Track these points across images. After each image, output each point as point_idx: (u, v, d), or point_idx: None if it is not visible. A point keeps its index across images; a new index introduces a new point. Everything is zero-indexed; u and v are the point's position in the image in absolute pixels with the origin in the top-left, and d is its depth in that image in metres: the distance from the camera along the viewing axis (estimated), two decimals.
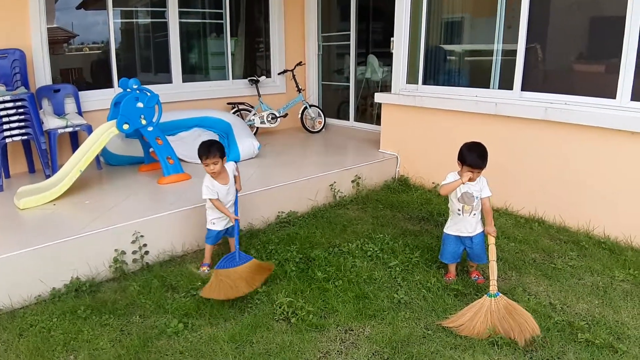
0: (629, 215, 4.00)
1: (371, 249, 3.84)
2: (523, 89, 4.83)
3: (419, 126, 5.57)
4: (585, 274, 3.49)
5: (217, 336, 2.83)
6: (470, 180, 3.17)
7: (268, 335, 2.85)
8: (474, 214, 3.28)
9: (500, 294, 2.92)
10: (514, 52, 4.80)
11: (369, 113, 7.68)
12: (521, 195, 4.67)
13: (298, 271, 3.55)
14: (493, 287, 2.94)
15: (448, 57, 5.89)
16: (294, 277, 3.46)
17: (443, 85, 5.66)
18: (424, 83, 5.76)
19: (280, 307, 3.08)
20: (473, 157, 3.16)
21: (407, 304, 3.17)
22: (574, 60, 4.88)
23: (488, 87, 5.21)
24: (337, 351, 2.75)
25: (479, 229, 3.32)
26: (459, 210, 3.28)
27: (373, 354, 2.71)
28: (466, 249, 3.38)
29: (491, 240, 3.14)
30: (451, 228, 3.37)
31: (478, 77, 5.49)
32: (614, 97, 4.24)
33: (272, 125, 6.89)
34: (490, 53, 5.21)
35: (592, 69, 4.75)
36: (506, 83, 4.98)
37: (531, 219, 4.50)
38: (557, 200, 4.42)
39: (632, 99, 4.16)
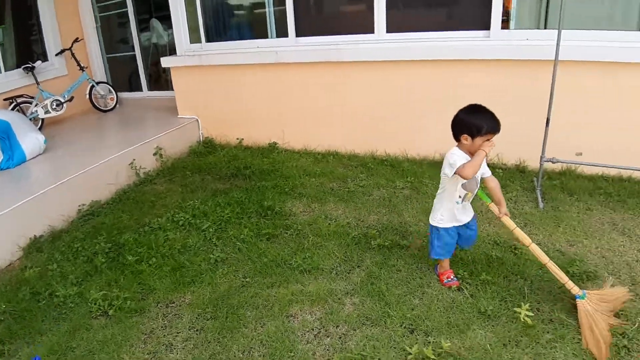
0: (400, 133, 4.59)
1: (182, 218, 3.81)
2: (298, 35, 5.08)
3: (211, 85, 5.54)
4: (373, 190, 3.96)
5: (36, 353, 2.60)
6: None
7: (88, 336, 2.70)
8: (470, 201, 2.73)
9: (586, 292, 2.47)
10: (284, 1, 4.98)
11: (164, 79, 7.36)
12: (316, 134, 5.02)
13: (109, 261, 3.36)
14: (574, 288, 2.47)
15: (227, 12, 5.87)
16: (105, 269, 3.28)
17: (226, 40, 5.66)
18: (208, 41, 5.67)
19: (95, 304, 2.90)
20: (489, 119, 2.45)
21: (224, 260, 3.26)
22: (340, 2, 5.26)
23: (267, 37, 5.36)
24: (161, 327, 2.72)
25: (472, 212, 2.78)
26: (460, 197, 2.63)
27: (197, 317, 2.75)
28: (460, 234, 2.77)
29: (509, 223, 2.61)
30: (449, 220, 2.69)
31: (258, 28, 5.60)
32: (373, 32, 4.71)
33: (59, 113, 6.19)
34: (264, 4, 5.33)
35: (355, 8, 5.17)
36: (283, 31, 5.17)
37: (327, 153, 4.89)
38: (345, 131, 4.85)
39: (387, 32, 4.67)
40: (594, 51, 3.93)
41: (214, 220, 3.72)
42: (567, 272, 2.77)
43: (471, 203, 2.74)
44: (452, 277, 2.79)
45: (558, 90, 3.74)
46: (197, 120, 5.72)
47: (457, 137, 2.54)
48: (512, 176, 4.06)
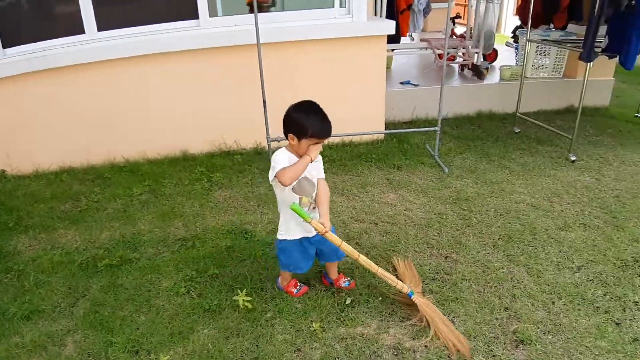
0: (138, 135, 4.29)
1: None
2: (5, 46, 4.34)
3: None
4: (108, 203, 3.62)
5: None
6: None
7: None
8: (314, 207, 2.36)
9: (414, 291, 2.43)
10: None
11: None
12: (47, 152, 4.40)
13: None
14: (404, 288, 2.40)
15: None
16: None
17: None
18: None
19: None
20: (316, 121, 2.14)
21: None
22: (47, 5, 4.62)
23: None
24: None
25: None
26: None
27: None
28: (317, 250, 2.47)
29: (334, 239, 2.28)
30: (296, 231, 2.36)
31: None
32: (84, 32, 4.26)
33: None
34: None
35: (63, 10, 4.60)
36: None
37: (61, 171, 4.33)
38: (78, 143, 4.35)
39: (99, 30, 4.26)
40: (296, 31, 4.13)
41: None
42: None
43: None
44: (299, 284, 2.57)
45: (271, 71, 3.85)
46: None
47: (285, 135, 2.22)
48: (250, 160, 4.11)
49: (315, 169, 2.29)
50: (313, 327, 2.30)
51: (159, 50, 4.09)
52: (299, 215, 2.15)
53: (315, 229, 2.19)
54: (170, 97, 4.23)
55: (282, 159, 2.18)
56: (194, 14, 4.18)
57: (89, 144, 4.35)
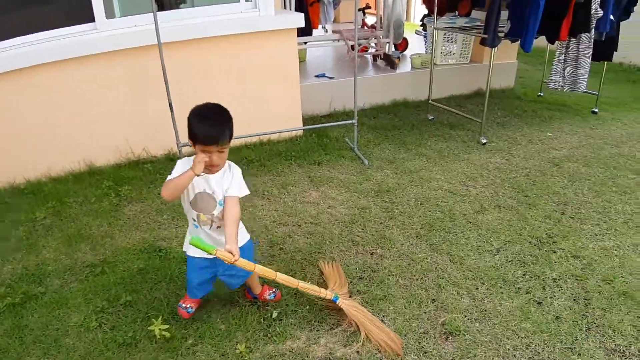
0: (40, 151, 3.85)
1: None
2: None
3: None
4: (9, 232, 3.17)
5: None
6: (210, 169, 1.94)
7: None
8: (219, 227, 2.06)
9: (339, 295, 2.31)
10: None
11: None
12: None
13: None
14: (328, 294, 2.27)
15: None
16: None
17: None
18: None
19: None
20: (204, 125, 1.85)
21: None
22: None
23: None
24: None
25: (241, 240, 2.11)
26: (194, 220, 2.04)
27: None
28: (219, 276, 2.19)
29: (248, 266, 1.99)
30: (192, 247, 1.99)
31: None
32: None
33: None
34: None
35: None
36: None
37: None
38: None
39: None
40: (201, 28, 3.88)
41: None
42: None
43: None
44: (188, 305, 2.26)
45: (178, 71, 3.59)
46: None
47: None
48: (162, 168, 3.82)
49: (219, 185, 1.98)
50: (238, 348, 2.13)
51: (55, 59, 3.67)
52: (202, 249, 1.86)
53: (224, 260, 1.89)
54: (72, 107, 3.83)
55: (178, 166, 1.96)
56: (89, 17, 3.79)
57: None
